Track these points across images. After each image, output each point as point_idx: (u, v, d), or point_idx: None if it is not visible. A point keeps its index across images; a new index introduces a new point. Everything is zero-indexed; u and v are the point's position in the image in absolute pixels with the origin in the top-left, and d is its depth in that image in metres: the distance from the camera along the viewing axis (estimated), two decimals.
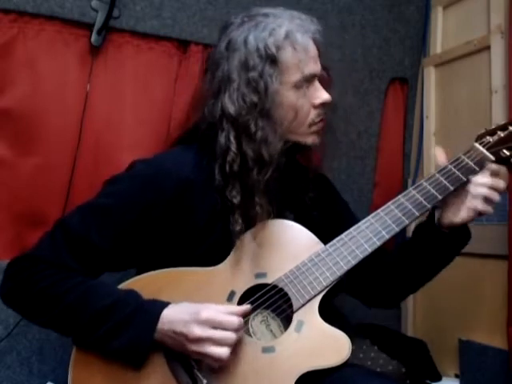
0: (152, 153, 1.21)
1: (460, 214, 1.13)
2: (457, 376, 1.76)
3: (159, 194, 1.10)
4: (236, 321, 0.98)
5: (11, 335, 1.51)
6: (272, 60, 1.10)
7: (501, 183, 1.13)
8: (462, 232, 1.18)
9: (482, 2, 1.83)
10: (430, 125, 2.03)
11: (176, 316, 0.99)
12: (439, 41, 2.03)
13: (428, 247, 1.19)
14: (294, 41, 1.12)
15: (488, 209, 1.12)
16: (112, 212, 1.09)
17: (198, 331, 0.97)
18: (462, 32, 1.93)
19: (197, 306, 1.00)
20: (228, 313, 0.99)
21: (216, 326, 0.97)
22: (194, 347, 0.98)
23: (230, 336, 0.97)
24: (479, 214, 1.13)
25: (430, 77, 2.05)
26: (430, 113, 2.04)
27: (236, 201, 1.10)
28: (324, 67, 1.20)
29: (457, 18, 1.98)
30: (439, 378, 1.74)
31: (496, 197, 1.12)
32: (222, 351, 0.97)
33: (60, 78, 1.58)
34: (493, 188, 1.12)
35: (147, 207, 1.10)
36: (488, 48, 1.77)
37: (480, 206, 1.12)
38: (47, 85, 1.56)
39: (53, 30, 1.56)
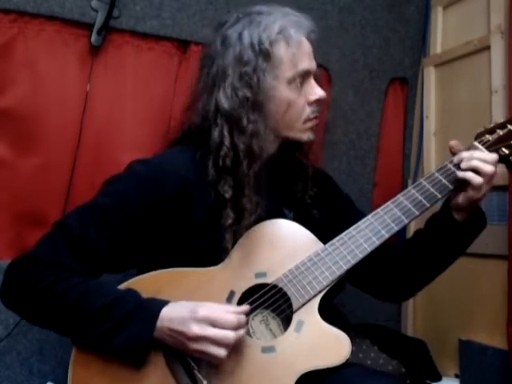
0: (152, 153, 1.21)
1: (457, 193, 1.13)
2: (457, 376, 1.76)
3: (158, 194, 1.10)
4: (234, 319, 0.98)
5: (11, 335, 1.51)
6: (265, 55, 1.11)
7: (489, 156, 1.12)
8: (476, 218, 1.17)
9: (481, 2, 1.83)
10: (430, 125, 2.03)
11: (175, 314, 0.99)
12: (439, 41, 2.03)
13: (443, 236, 1.18)
14: (287, 36, 1.13)
15: (479, 180, 1.09)
16: (111, 212, 1.09)
17: (196, 329, 0.96)
18: (462, 32, 1.93)
19: (194, 304, 1.00)
20: (226, 311, 0.99)
21: (214, 324, 0.97)
22: (194, 345, 0.97)
23: (229, 335, 0.97)
24: (475, 189, 1.10)
25: (430, 77, 2.05)
26: (430, 113, 2.04)
27: (228, 195, 1.10)
28: (320, 65, 1.20)
29: (457, 18, 1.98)
30: (439, 378, 1.74)
31: (486, 168, 1.09)
32: (221, 350, 0.96)
33: (60, 78, 1.58)
34: (481, 160, 1.10)
35: (146, 208, 1.09)
36: (488, 48, 1.77)
37: (469, 175, 1.10)
38: (47, 85, 1.56)
39: (53, 29, 1.56)
